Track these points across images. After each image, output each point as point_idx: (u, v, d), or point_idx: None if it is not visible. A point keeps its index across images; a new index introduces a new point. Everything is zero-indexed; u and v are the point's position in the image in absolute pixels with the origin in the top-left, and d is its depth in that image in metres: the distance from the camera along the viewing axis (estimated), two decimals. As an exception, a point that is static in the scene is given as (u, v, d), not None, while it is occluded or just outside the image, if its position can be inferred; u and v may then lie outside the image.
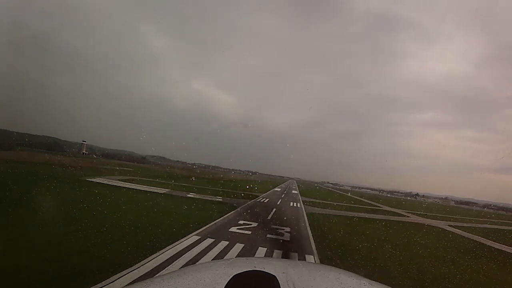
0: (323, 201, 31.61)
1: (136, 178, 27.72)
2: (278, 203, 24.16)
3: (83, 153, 49.37)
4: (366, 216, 23.93)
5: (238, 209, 17.74)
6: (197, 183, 31.40)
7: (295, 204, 24.75)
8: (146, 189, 21.40)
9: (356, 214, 24.26)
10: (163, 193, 21.15)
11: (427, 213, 33.94)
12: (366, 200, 45.02)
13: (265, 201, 24.68)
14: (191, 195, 21.75)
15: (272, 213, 17.68)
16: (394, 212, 31.21)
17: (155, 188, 22.73)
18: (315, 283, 1.37)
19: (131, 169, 37.16)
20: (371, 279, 1.55)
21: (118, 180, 24.02)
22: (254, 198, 24.94)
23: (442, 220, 28.35)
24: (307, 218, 17.63)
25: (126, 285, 1.64)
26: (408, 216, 28.84)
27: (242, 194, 27.13)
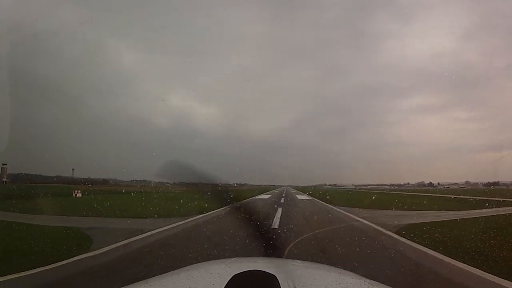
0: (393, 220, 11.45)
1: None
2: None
3: (3, 181, 42.14)
4: None
5: None
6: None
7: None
8: None
9: None
10: None
11: None
12: (433, 196, 24.18)
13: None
14: None
15: None
16: None
17: None
18: (315, 283, 1.33)
19: None
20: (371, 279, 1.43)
21: None
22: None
23: None
24: None
25: (126, 285, 1.34)
26: None
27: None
